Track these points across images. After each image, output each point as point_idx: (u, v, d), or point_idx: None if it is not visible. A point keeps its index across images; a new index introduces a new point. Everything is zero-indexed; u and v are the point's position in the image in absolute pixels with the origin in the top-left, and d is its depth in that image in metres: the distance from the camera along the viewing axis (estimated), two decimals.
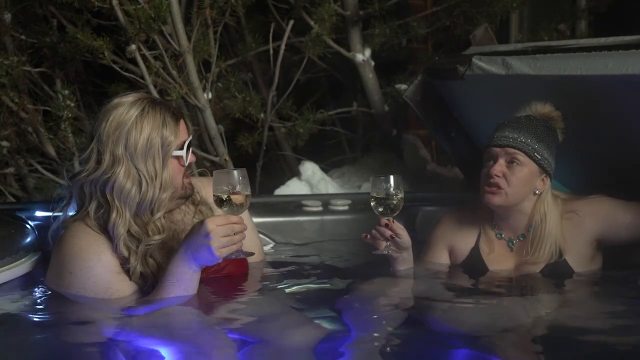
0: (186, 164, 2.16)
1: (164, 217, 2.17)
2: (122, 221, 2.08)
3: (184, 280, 2.03)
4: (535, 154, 2.34)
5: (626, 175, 2.57)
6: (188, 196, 2.24)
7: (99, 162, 2.08)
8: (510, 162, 2.35)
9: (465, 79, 2.86)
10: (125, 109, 2.08)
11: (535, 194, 2.38)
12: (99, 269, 2.10)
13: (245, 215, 2.31)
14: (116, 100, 2.12)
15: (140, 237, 2.11)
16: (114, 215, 2.08)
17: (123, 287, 2.13)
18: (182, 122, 2.16)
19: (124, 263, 2.13)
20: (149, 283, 2.13)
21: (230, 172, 2.03)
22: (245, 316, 2.13)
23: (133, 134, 2.06)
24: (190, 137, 2.19)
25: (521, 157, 2.34)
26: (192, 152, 2.20)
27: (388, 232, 2.27)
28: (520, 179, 2.34)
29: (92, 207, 2.12)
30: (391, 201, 2.24)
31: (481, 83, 2.82)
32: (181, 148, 2.13)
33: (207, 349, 1.85)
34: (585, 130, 2.58)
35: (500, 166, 2.35)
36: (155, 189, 2.08)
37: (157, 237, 2.11)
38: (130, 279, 2.13)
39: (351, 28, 4.09)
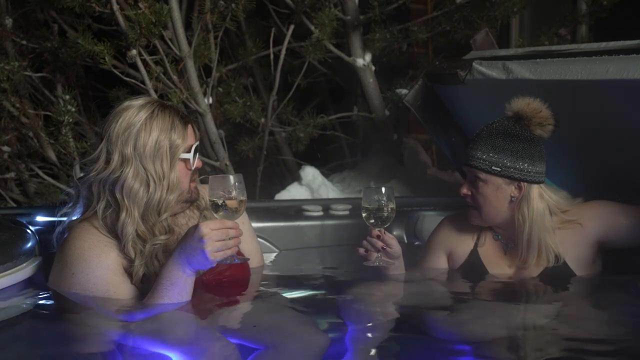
0: (193, 168, 2.18)
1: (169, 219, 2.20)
2: (131, 220, 2.10)
3: (178, 284, 2.03)
4: (493, 167, 2.33)
5: (627, 179, 2.57)
6: (194, 200, 2.25)
7: (108, 161, 2.11)
8: (474, 180, 2.38)
9: (466, 83, 2.86)
10: (135, 111, 2.12)
11: (512, 201, 2.37)
12: (100, 271, 2.11)
13: (244, 220, 2.33)
14: (127, 103, 2.17)
15: (147, 237, 2.13)
16: (123, 215, 2.10)
17: (122, 290, 2.13)
18: (190, 126, 2.19)
19: (127, 266, 2.14)
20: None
21: (226, 178, 2.05)
22: (247, 322, 2.13)
23: (142, 135, 2.09)
24: (197, 142, 2.21)
25: (481, 175, 2.35)
26: (198, 157, 2.23)
27: (379, 244, 2.26)
28: (486, 196, 2.36)
29: (101, 206, 2.14)
30: (382, 212, 2.22)
31: (482, 88, 2.82)
32: (188, 151, 2.16)
33: (209, 356, 1.85)
34: (586, 135, 2.58)
35: (465, 186, 2.41)
36: (162, 189, 2.11)
37: (163, 237, 2.13)
38: (132, 281, 2.14)
39: (352, 33, 4.09)
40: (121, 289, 2.13)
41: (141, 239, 2.12)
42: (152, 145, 2.09)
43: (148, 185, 2.10)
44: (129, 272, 2.14)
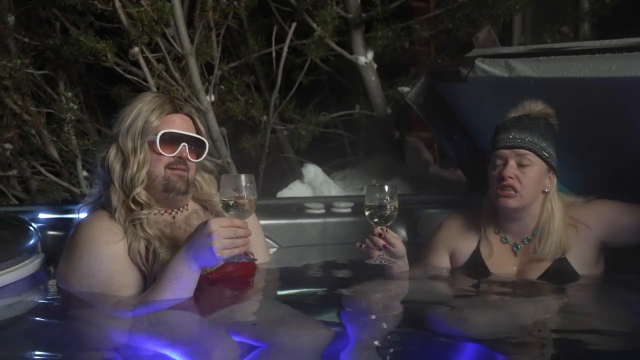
0: (163, 153, 2.23)
1: (174, 217, 2.31)
2: (115, 195, 2.22)
3: (182, 279, 2.05)
4: (543, 152, 2.33)
5: (629, 177, 2.56)
6: (179, 191, 2.27)
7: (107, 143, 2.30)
8: (521, 163, 2.34)
9: (468, 81, 2.86)
10: (136, 98, 2.28)
11: (544, 192, 2.38)
12: (106, 258, 2.15)
13: (252, 218, 2.36)
14: None
15: (132, 210, 2.23)
16: (110, 188, 2.24)
17: (125, 280, 2.16)
18: (174, 116, 2.26)
19: (134, 257, 2.17)
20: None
21: (237, 177, 2.06)
22: (248, 319, 2.13)
23: (126, 114, 2.25)
24: (179, 132, 2.25)
25: (531, 157, 2.33)
26: (189, 150, 2.27)
27: (381, 242, 2.25)
28: (532, 179, 2.34)
29: (105, 188, 2.26)
30: (385, 211, 2.21)
31: (484, 85, 2.82)
32: (156, 134, 2.22)
33: (212, 351, 1.85)
34: (589, 133, 2.57)
35: (512, 168, 2.34)
36: (133, 166, 2.21)
37: (145, 212, 2.21)
38: (129, 252, 2.18)
39: (354, 30, 4.09)
40: (124, 278, 2.16)
41: (129, 211, 2.22)
42: (129, 123, 2.23)
43: (122, 162, 2.23)
44: (134, 258, 2.17)
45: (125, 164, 2.22)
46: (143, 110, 2.23)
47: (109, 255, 2.15)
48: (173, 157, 2.24)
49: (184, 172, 2.27)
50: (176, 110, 2.28)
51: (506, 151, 2.35)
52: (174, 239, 2.23)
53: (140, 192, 2.22)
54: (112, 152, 2.24)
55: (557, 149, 2.40)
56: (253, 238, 2.26)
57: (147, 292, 2.11)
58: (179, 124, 2.27)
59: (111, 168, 2.23)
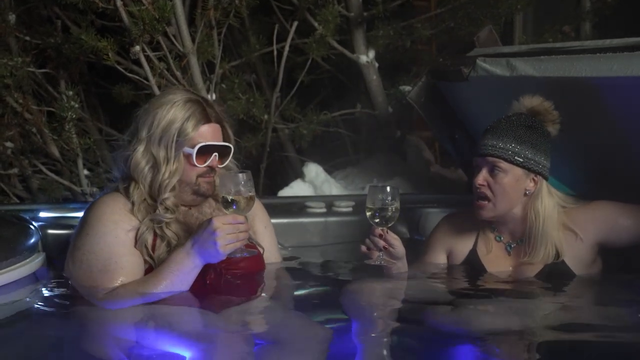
0: (197, 165, 2.22)
1: (189, 208, 2.31)
2: (138, 192, 2.23)
3: (184, 271, 2.12)
4: (515, 157, 2.31)
5: (629, 177, 2.56)
6: (207, 195, 2.31)
7: (131, 137, 2.27)
8: (492, 170, 2.33)
9: (469, 80, 2.86)
10: (167, 97, 2.25)
11: (526, 194, 2.36)
12: (111, 239, 2.18)
13: (264, 219, 2.50)
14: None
15: (154, 210, 2.23)
16: (132, 185, 2.24)
17: (124, 264, 2.17)
18: (210, 126, 2.24)
19: (140, 249, 2.20)
20: None
21: (235, 175, 2.12)
22: (250, 318, 2.14)
23: (158, 117, 2.21)
24: (215, 144, 2.23)
25: (502, 164, 2.31)
26: (219, 159, 2.26)
27: (381, 243, 2.26)
28: (505, 186, 2.33)
29: (123, 181, 2.28)
30: (386, 212, 2.21)
31: (485, 84, 2.82)
32: (192, 147, 2.20)
33: (226, 351, 1.86)
34: (589, 132, 2.57)
35: (482, 176, 2.34)
36: (164, 173, 2.21)
37: (169, 215, 2.22)
38: (136, 245, 2.19)
39: (355, 29, 4.09)
40: (123, 261, 2.18)
41: (150, 210, 2.23)
42: (162, 128, 2.20)
43: (152, 167, 2.22)
44: (140, 249, 2.20)
45: (155, 168, 2.21)
46: (177, 118, 2.19)
47: (114, 236, 2.18)
48: (205, 167, 2.25)
49: (212, 178, 2.28)
50: (209, 119, 2.24)
51: (479, 159, 2.37)
52: (186, 224, 2.27)
53: (168, 198, 2.22)
54: (140, 153, 2.21)
55: (545, 149, 2.35)
56: (267, 239, 2.43)
57: (144, 278, 2.15)
58: (211, 134, 2.25)
59: (138, 169, 2.22)
